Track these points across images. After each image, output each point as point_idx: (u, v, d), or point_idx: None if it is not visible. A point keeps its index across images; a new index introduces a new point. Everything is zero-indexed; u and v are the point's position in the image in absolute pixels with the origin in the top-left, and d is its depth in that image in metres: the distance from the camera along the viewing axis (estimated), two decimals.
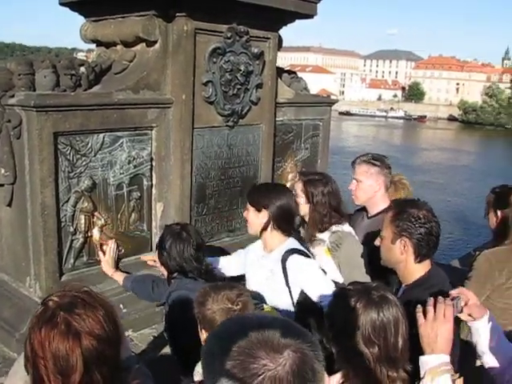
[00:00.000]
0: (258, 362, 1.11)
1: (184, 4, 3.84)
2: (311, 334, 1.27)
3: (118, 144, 3.81)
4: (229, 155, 4.52)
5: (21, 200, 3.61)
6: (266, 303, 2.93)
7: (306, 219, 3.51)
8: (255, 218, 3.11)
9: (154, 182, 4.11)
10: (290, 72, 5.43)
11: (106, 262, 3.80)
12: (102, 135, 3.70)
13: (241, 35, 4.23)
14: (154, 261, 3.45)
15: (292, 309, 3.05)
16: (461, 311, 2.23)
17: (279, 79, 4.92)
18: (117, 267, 3.85)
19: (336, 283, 3.10)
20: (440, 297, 2.17)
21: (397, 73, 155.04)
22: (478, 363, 3.50)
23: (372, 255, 3.32)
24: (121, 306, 3.85)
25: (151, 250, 4.06)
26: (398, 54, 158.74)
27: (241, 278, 3.34)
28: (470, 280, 3.54)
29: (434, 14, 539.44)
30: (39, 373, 1.57)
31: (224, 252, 4.47)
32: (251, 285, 3.16)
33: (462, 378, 2.23)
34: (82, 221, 3.71)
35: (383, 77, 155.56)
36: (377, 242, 2.80)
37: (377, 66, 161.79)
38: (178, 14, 3.89)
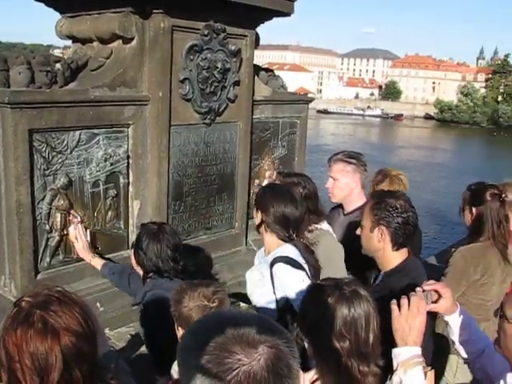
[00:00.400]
0: (232, 356, 1.12)
1: (161, 1, 3.83)
2: (287, 331, 1.28)
3: (94, 141, 3.77)
4: (206, 153, 4.51)
5: None
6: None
7: None
8: (256, 216, 3.17)
9: (130, 180, 4.08)
10: (267, 70, 5.44)
11: (82, 249, 3.72)
12: (78, 132, 3.66)
13: (218, 32, 4.23)
14: None
15: (276, 314, 3.04)
16: (432, 302, 2.28)
17: (256, 77, 4.93)
18: (94, 251, 3.79)
19: None
20: (416, 289, 2.21)
21: (374, 71, 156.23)
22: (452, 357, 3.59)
23: (349, 252, 3.37)
24: (98, 304, 3.82)
25: (128, 247, 4.03)
26: (375, 53, 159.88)
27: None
28: (446, 276, 3.60)
29: (411, 14, 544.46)
30: (16, 377, 1.53)
31: (201, 250, 4.48)
32: (248, 284, 3.18)
33: (433, 371, 2.28)
34: (58, 219, 3.67)
35: (360, 75, 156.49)
36: (358, 232, 2.89)
37: (354, 64, 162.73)
38: (154, 11, 3.87)
